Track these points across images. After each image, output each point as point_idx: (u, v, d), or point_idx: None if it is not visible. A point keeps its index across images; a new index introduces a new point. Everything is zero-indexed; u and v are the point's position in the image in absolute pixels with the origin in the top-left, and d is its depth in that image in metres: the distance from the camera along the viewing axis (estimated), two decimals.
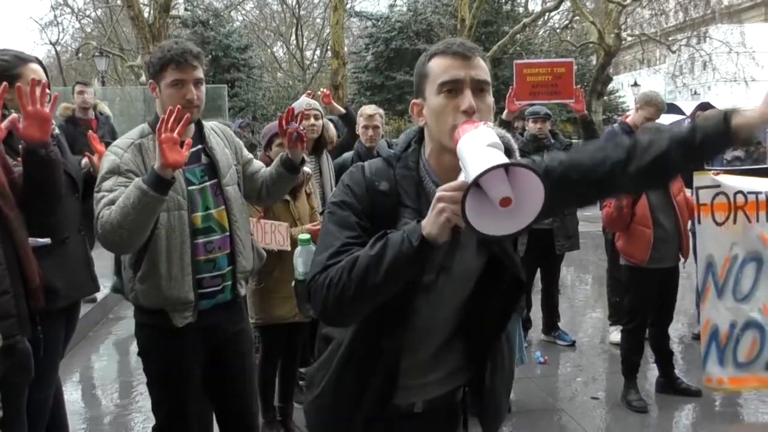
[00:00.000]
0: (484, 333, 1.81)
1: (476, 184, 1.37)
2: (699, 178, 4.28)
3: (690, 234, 4.54)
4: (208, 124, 2.87)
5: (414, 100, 1.77)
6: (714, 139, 1.63)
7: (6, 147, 2.57)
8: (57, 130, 2.92)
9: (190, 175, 2.70)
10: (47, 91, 2.42)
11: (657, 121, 5.36)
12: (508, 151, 1.61)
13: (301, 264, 2.31)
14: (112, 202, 2.46)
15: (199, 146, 2.75)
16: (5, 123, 2.30)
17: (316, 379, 1.87)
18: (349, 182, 1.74)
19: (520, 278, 1.76)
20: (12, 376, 2.44)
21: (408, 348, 1.76)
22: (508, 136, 1.74)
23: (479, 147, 1.45)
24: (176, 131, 2.41)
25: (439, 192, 1.46)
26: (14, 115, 2.37)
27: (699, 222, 4.28)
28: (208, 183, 2.74)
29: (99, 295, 6.63)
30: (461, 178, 1.48)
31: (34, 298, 2.50)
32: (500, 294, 1.77)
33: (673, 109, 7.22)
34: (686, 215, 4.45)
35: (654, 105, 5.59)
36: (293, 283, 2.46)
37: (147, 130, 2.71)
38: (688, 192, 4.55)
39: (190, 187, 2.69)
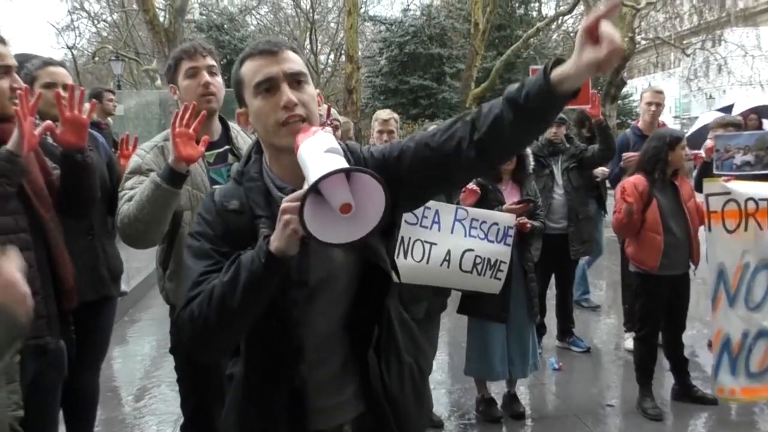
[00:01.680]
0: (366, 332, 1.71)
1: (317, 192, 1.34)
2: (709, 185, 4.25)
3: (700, 241, 4.50)
4: (236, 126, 2.91)
5: (238, 110, 1.73)
6: (536, 92, 1.47)
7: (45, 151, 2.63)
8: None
9: (216, 175, 2.75)
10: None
11: (663, 118, 5.37)
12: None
13: None
14: (131, 199, 2.54)
15: (226, 147, 2.81)
16: (39, 129, 2.35)
17: (228, 422, 1.78)
18: (201, 210, 1.71)
19: (389, 273, 1.70)
20: (44, 376, 2.51)
21: (308, 365, 1.67)
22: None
23: (317, 153, 1.43)
24: (192, 127, 2.47)
25: (284, 203, 1.44)
26: (48, 122, 2.41)
27: (709, 229, 4.24)
28: None
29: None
30: (306, 187, 1.43)
31: (67, 299, 2.55)
32: (374, 290, 1.70)
33: (726, 110, 7.22)
34: (697, 221, 4.41)
35: (650, 90, 5.66)
36: None
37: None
38: (699, 198, 4.51)
39: (215, 187, 2.72)
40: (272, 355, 1.65)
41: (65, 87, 2.97)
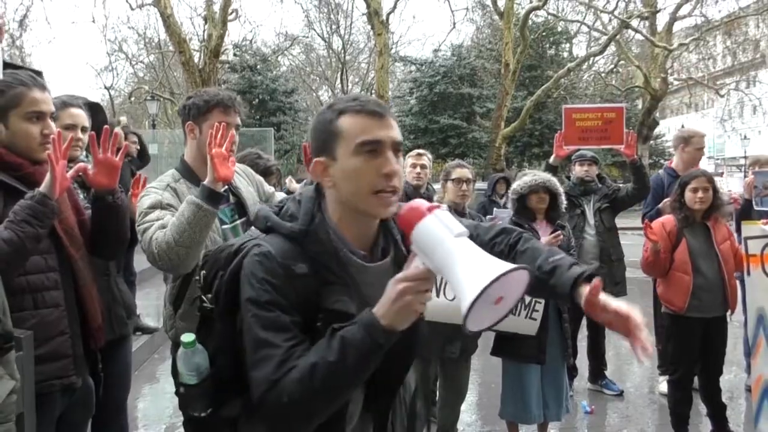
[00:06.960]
0: (389, 382, 1.69)
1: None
2: (747, 228, 4.16)
3: (738, 284, 4.39)
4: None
5: (317, 159, 1.61)
6: (559, 293, 1.68)
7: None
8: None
9: (222, 215, 2.78)
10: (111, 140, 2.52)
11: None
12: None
13: (182, 366, 1.93)
14: (163, 226, 2.54)
15: (225, 187, 2.84)
16: (71, 172, 2.40)
17: None
18: (264, 275, 1.54)
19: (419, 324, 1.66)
20: (72, 414, 2.53)
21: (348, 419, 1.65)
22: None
23: (450, 241, 1.38)
24: (224, 147, 2.52)
25: (401, 284, 1.42)
26: (81, 164, 2.46)
27: (748, 273, 4.13)
28: (238, 221, 2.85)
29: (145, 335, 6.80)
30: (416, 263, 1.44)
31: (94, 338, 2.57)
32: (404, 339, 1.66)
33: None
34: (732, 264, 4.31)
35: (697, 135, 5.60)
36: (181, 390, 2.18)
37: (177, 176, 2.84)
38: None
39: (223, 227, 2.78)
40: None
41: (83, 129, 3.02)
